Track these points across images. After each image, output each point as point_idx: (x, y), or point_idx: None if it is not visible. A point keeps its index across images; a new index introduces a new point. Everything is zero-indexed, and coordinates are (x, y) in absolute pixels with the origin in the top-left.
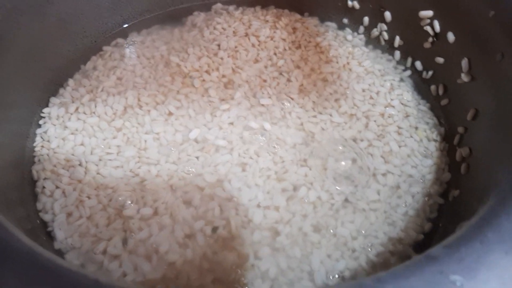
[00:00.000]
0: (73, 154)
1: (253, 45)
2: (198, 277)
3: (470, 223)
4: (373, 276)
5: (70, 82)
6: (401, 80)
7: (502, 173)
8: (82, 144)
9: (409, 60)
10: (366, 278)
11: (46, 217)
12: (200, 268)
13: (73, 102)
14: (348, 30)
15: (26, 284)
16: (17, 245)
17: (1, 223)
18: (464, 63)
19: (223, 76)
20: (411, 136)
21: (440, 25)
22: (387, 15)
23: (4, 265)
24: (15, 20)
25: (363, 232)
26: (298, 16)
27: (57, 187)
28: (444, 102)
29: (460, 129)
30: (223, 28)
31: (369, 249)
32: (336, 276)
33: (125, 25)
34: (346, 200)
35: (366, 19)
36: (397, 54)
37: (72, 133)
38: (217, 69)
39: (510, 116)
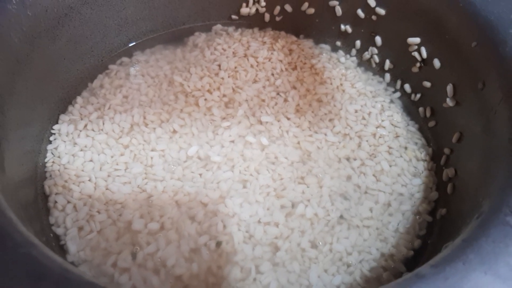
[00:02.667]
0: (83, 170)
1: (251, 66)
2: None
3: (454, 244)
4: None
5: (79, 99)
6: (391, 101)
7: (483, 196)
8: (91, 160)
9: (399, 82)
10: None
11: (59, 231)
12: (205, 282)
13: (81, 119)
14: (341, 52)
15: None
16: (50, 264)
17: (35, 243)
18: (449, 88)
19: (224, 95)
20: (401, 156)
21: (427, 51)
22: (378, 39)
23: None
24: (30, 42)
25: (357, 248)
26: (294, 38)
27: (68, 202)
28: (431, 124)
29: (446, 151)
30: (223, 49)
31: (363, 264)
32: None
33: (130, 44)
34: (341, 217)
35: (358, 43)
36: (387, 76)
37: (81, 150)
38: (218, 89)
39: (492, 142)
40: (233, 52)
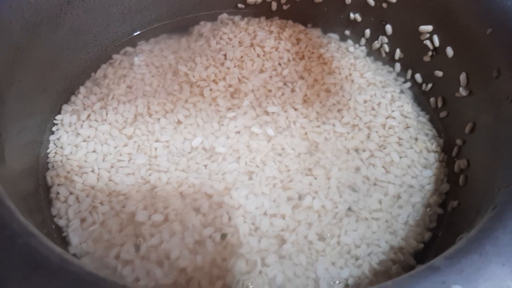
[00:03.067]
0: (85, 161)
1: (258, 55)
2: (208, 283)
3: (469, 235)
4: (379, 285)
5: (82, 90)
6: (402, 91)
7: (498, 187)
8: (94, 151)
9: (409, 72)
10: (372, 287)
11: (61, 222)
12: (210, 274)
13: (84, 109)
14: (350, 41)
15: None
16: (49, 254)
17: (34, 233)
18: (463, 77)
19: (230, 85)
20: (411, 147)
21: (440, 40)
22: (388, 28)
23: (37, 273)
24: (31, 30)
25: (365, 240)
26: (301, 27)
27: (70, 193)
28: (443, 114)
29: (459, 141)
30: (229, 38)
31: (372, 257)
32: (340, 283)
33: (134, 34)
34: (350, 209)
35: (367, 32)
36: (398, 66)
37: (84, 140)
38: (224, 79)
39: (506, 132)
40: (239, 42)
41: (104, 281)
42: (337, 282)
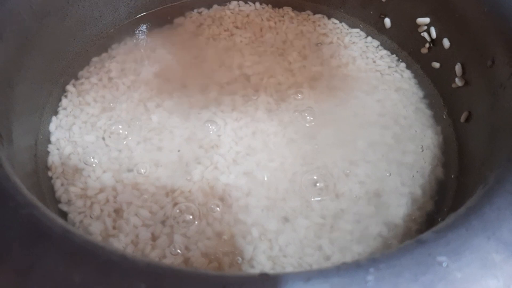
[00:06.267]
0: (87, 147)
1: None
2: None
3: (458, 212)
4: (368, 257)
5: (87, 79)
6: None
7: (490, 170)
8: (96, 137)
9: (408, 63)
10: (362, 258)
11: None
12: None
13: (86, 96)
14: (350, 34)
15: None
16: (51, 225)
17: (37, 205)
18: (458, 68)
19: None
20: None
21: (436, 31)
22: (387, 21)
23: (40, 241)
24: (39, 20)
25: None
26: (299, 17)
27: (74, 177)
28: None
29: (454, 131)
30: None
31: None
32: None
33: (140, 26)
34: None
35: (366, 25)
36: (396, 58)
37: (86, 126)
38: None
39: (500, 119)
40: (244, 27)
41: (104, 249)
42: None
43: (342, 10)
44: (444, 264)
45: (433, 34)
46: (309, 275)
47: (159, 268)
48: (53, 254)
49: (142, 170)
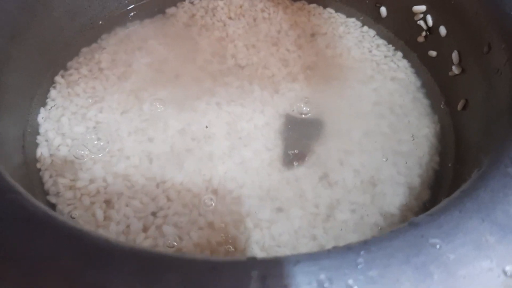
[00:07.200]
0: (76, 138)
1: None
2: None
3: (452, 196)
4: (360, 240)
5: (77, 70)
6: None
7: (485, 154)
8: (86, 128)
9: (404, 53)
10: (354, 242)
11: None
12: None
13: (76, 87)
14: (346, 23)
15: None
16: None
17: (21, 192)
18: (455, 55)
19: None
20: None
21: (433, 19)
22: (383, 10)
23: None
24: (26, 11)
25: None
26: (295, 6)
27: (62, 168)
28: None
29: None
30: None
31: None
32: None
33: (130, 15)
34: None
35: (362, 14)
36: (392, 47)
37: (75, 118)
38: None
39: (496, 105)
40: (238, 17)
41: (88, 234)
42: None
43: (337, 0)
44: (437, 246)
45: (430, 22)
46: (298, 258)
47: (145, 253)
48: (37, 238)
49: (133, 161)
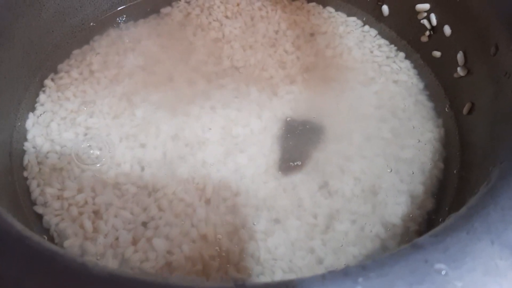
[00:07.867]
0: (65, 145)
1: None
2: None
3: (458, 213)
4: (358, 264)
5: (66, 73)
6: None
7: (493, 164)
8: (75, 133)
9: (407, 53)
10: (352, 266)
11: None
12: None
13: (66, 90)
14: (346, 22)
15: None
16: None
17: None
18: (460, 56)
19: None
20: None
21: (437, 18)
22: (385, 9)
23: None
24: (14, 10)
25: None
26: (295, 5)
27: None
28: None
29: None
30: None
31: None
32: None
33: (122, 16)
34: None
35: (364, 13)
36: (395, 47)
37: (64, 122)
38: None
39: (504, 109)
40: (234, 17)
41: (63, 256)
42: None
43: None
44: (443, 272)
45: (433, 21)
46: (289, 284)
47: (121, 279)
48: (6, 258)
49: (124, 169)
